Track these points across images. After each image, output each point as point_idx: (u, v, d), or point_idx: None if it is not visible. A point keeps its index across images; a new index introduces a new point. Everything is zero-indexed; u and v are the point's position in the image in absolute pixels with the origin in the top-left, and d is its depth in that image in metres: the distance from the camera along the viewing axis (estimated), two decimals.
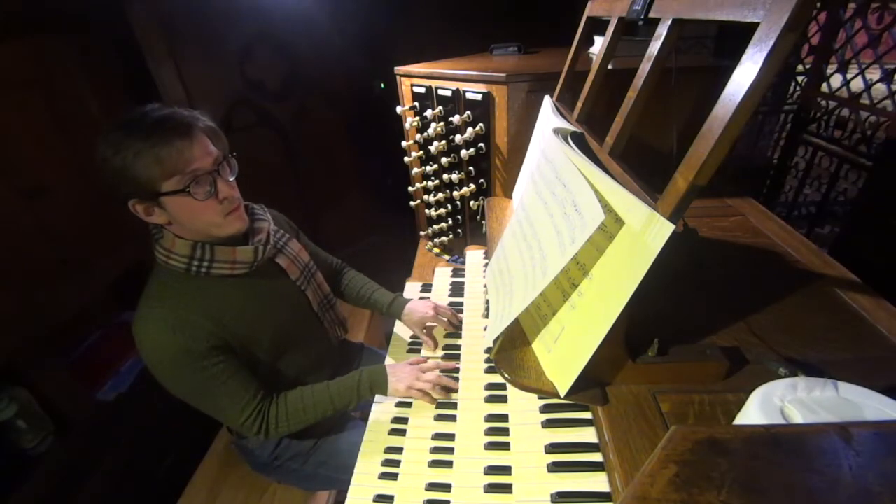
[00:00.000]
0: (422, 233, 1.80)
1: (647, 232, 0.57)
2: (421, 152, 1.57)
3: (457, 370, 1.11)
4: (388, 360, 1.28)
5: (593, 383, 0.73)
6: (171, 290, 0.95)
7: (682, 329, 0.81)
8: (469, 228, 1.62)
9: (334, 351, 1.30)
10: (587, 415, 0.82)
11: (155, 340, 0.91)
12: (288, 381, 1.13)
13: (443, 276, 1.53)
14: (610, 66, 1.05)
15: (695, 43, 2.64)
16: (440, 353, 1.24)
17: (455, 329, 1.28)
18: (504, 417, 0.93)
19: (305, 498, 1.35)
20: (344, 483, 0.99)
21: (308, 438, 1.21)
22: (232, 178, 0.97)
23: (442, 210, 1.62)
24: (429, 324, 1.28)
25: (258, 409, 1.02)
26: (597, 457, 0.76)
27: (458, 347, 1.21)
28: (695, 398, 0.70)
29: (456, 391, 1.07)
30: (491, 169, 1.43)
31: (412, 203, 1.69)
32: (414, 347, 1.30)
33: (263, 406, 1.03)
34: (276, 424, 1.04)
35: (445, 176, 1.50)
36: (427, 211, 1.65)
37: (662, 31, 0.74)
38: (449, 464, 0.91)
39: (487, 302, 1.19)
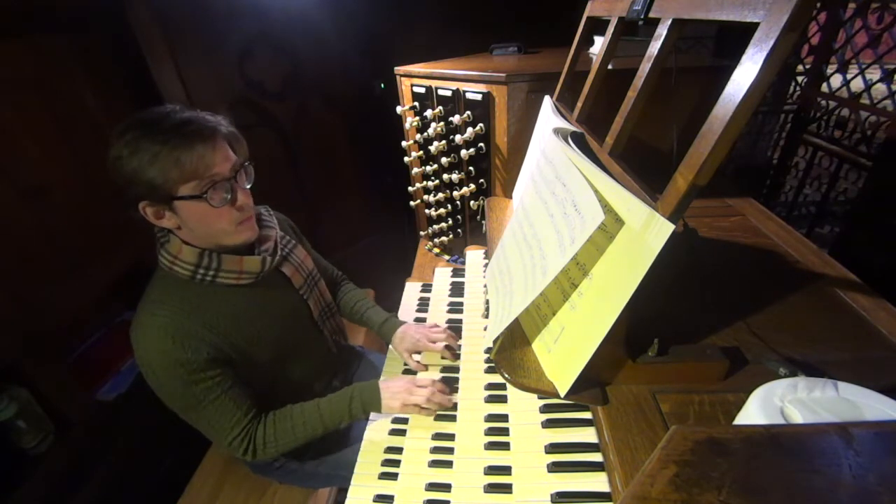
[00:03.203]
0: (422, 233, 1.80)
1: (647, 232, 0.57)
2: (421, 152, 1.57)
3: (455, 381, 1.09)
4: (387, 363, 1.27)
5: (593, 383, 0.73)
6: (174, 297, 0.92)
7: (682, 329, 0.81)
8: (469, 228, 1.62)
9: (333, 358, 1.29)
10: (587, 415, 0.82)
11: (153, 348, 0.89)
12: (284, 391, 1.11)
13: (443, 276, 1.53)
14: (610, 66, 1.05)
15: (695, 43, 2.65)
16: (439, 357, 1.22)
17: (453, 355, 1.20)
18: (504, 417, 0.93)
19: (305, 498, 1.35)
20: (345, 480, 0.99)
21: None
22: (248, 186, 0.95)
23: (442, 210, 1.62)
24: (419, 350, 1.22)
25: (247, 429, 0.99)
26: (597, 457, 0.76)
27: (458, 348, 1.20)
28: (695, 398, 0.71)
29: (451, 406, 1.05)
30: (491, 169, 1.43)
31: (412, 203, 1.69)
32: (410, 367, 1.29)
33: (251, 426, 1.00)
34: (263, 445, 1.01)
35: (445, 176, 1.50)
36: (427, 211, 1.65)
37: (662, 31, 0.74)
38: (449, 464, 0.91)
39: (487, 302, 1.19)
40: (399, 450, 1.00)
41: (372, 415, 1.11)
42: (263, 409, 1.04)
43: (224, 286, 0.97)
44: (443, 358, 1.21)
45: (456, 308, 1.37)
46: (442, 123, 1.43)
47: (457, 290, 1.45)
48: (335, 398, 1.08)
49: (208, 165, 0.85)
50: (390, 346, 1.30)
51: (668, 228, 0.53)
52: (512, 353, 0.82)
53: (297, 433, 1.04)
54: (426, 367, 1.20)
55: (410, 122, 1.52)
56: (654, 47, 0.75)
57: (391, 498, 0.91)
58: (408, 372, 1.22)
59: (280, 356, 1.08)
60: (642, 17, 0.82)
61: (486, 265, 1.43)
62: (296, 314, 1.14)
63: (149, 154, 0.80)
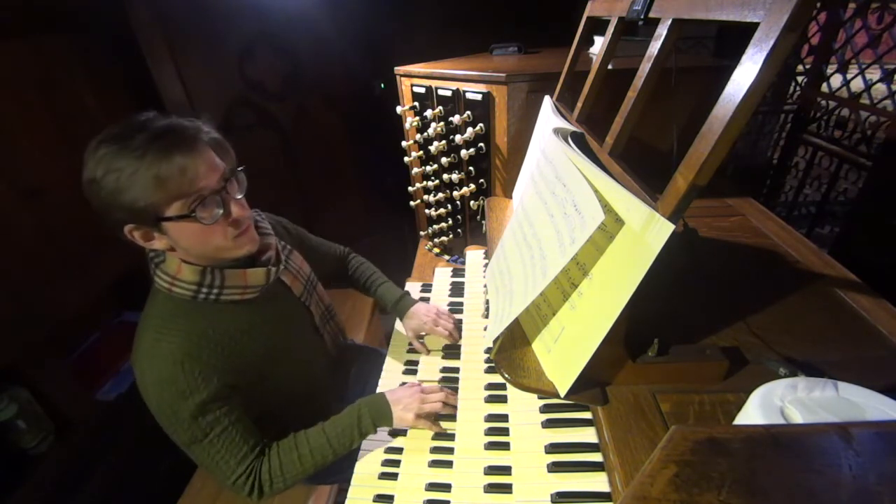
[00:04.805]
0: (422, 233, 1.80)
1: (647, 232, 0.57)
2: (421, 152, 1.57)
3: (455, 381, 1.09)
4: (388, 360, 1.27)
5: (593, 383, 0.73)
6: (179, 321, 0.86)
7: (682, 329, 0.81)
8: (469, 228, 1.62)
9: (332, 362, 1.26)
10: (587, 415, 0.82)
11: (160, 378, 0.83)
12: (286, 403, 1.08)
13: (443, 276, 1.53)
14: (610, 66, 1.04)
15: (695, 43, 2.65)
16: (439, 356, 1.23)
17: (454, 342, 1.23)
18: (504, 417, 0.93)
19: (306, 498, 1.34)
20: (348, 474, 0.99)
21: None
22: (240, 196, 0.87)
23: (442, 210, 1.62)
24: (424, 333, 1.24)
25: (251, 467, 0.93)
26: (597, 457, 0.76)
27: (458, 348, 1.20)
28: (695, 398, 0.70)
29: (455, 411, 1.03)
30: (491, 169, 1.43)
31: (412, 203, 1.69)
32: (414, 348, 1.30)
33: (256, 464, 0.94)
34: (270, 482, 0.94)
35: (445, 176, 1.50)
36: (427, 211, 1.65)
37: (662, 31, 0.74)
38: (449, 464, 0.91)
39: (487, 302, 1.19)
40: (399, 450, 1.01)
41: None
42: (266, 433, 0.99)
43: (228, 303, 0.92)
44: (446, 340, 1.24)
45: (456, 308, 1.37)
46: (442, 123, 1.43)
47: (457, 290, 1.45)
48: (340, 419, 1.01)
49: (192, 179, 0.77)
50: (393, 335, 1.32)
51: (668, 228, 0.53)
52: (512, 353, 0.82)
53: (304, 463, 0.97)
54: (428, 352, 1.24)
55: (410, 122, 1.52)
56: (654, 47, 0.75)
57: (391, 498, 0.91)
58: (410, 362, 1.24)
59: (286, 367, 1.04)
60: (642, 17, 0.82)
61: (486, 265, 1.43)
62: (298, 322, 1.11)
63: (126, 172, 0.72)
